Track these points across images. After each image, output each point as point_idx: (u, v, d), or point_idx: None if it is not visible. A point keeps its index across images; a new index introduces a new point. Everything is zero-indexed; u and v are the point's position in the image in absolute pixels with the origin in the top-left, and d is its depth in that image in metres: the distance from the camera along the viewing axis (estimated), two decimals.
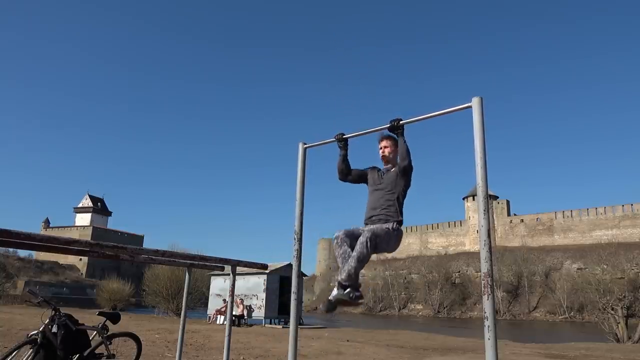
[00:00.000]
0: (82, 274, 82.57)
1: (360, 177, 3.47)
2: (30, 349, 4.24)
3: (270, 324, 22.11)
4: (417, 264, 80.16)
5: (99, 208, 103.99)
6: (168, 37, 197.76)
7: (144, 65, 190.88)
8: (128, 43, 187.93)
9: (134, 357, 5.11)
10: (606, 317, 21.04)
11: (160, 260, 5.14)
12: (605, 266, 57.79)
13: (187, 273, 4.95)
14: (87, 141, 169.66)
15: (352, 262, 2.96)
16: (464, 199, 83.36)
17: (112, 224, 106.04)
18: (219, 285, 24.08)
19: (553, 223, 73.77)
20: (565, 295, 61.03)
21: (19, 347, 4.36)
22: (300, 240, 3.30)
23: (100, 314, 5.02)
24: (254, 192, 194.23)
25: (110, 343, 4.77)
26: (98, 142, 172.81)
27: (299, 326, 9.85)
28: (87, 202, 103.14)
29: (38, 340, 4.22)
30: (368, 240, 2.96)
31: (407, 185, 3.28)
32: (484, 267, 2.26)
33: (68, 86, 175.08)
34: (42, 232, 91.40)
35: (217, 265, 4.72)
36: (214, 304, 23.68)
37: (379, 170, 3.44)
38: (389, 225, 3.14)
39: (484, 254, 2.26)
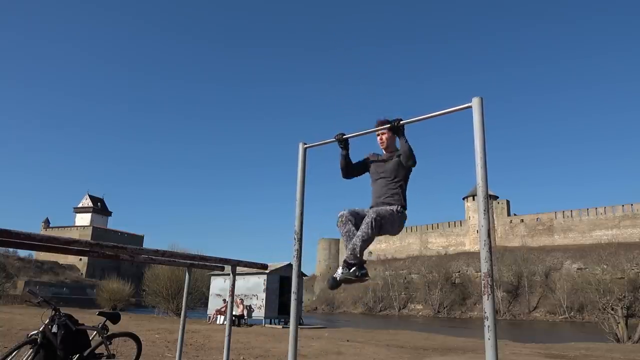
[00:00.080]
0: (82, 274, 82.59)
1: (363, 168, 3.53)
2: (30, 349, 4.23)
3: (270, 324, 22.11)
4: (417, 264, 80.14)
5: (99, 208, 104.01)
6: (168, 37, 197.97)
7: (144, 65, 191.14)
8: (128, 43, 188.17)
9: (134, 357, 5.11)
10: (606, 317, 21.04)
11: (160, 260, 5.13)
12: (605, 266, 57.75)
13: (187, 273, 4.95)
14: (87, 141, 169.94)
15: (357, 242, 3.04)
16: (464, 199, 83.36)
17: (112, 224, 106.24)
18: (219, 285, 24.08)
19: (553, 223, 73.77)
20: (565, 295, 61.02)
21: (19, 347, 4.36)
22: (300, 240, 3.30)
23: (100, 314, 5.02)
24: (254, 192, 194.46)
25: (110, 343, 4.76)
26: (98, 142, 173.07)
27: (299, 326, 9.85)
28: (87, 202, 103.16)
29: (38, 340, 4.22)
30: (373, 220, 3.04)
31: (409, 172, 3.36)
32: (484, 267, 2.26)
33: (68, 86, 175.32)
34: (42, 232, 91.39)
35: (217, 265, 4.72)
36: (214, 304, 23.68)
37: (378, 156, 3.49)
38: (394, 207, 3.22)
39: (484, 254, 2.26)
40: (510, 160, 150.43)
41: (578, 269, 64.48)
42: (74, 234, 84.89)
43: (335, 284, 3.13)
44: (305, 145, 3.44)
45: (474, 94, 2.55)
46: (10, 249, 61.96)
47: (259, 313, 22.22)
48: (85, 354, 4.44)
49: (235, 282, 4.58)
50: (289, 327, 3.25)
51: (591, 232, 69.52)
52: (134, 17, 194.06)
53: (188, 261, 4.57)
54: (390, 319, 61.84)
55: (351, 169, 3.48)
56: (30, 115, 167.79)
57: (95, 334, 4.72)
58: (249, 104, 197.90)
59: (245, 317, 21.23)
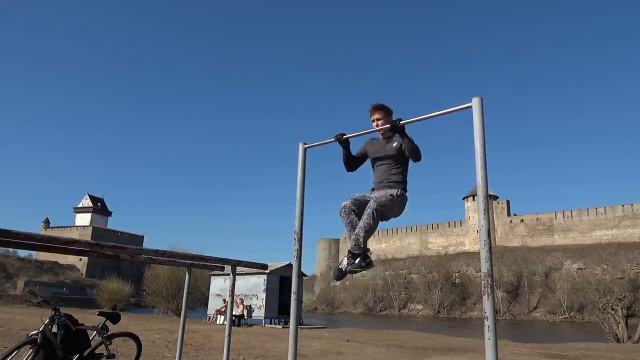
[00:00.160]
0: (82, 274, 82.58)
1: (363, 157, 3.58)
2: (30, 349, 4.23)
3: (270, 324, 22.11)
4: (417, 264, 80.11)
5: (99, 208, 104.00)
6: (168, 37, 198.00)
7: (144, 65, 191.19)
8: (128, 43, 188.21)
9: (134, 357, 5.11)
10: (606, 317, 21.04)
11: (160, 260, 5.13)
12: (605, 266, 57.76)
13: (187, 273, 4.94)
14: (87, 141, 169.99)
15: (360, 232, 3.12)
16: (464, 199, 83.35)
17: (112, 224, 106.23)
18: (219, 285, 24.07)
19: (553, 223, 73.76)
20: (565, 295, 61.01)
21: (19, 347, 4.36)
22: (300, 240, 3.29)
23: (100, 314, 5.02)
24: (254, 192, 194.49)
25: (110, 343, 4.76)
26: (98, 142, 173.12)
27: (299, 326, 9.85)
28: (87, 202, 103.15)
29: (38, 340, 4.21)
30: (374, 211, 3.11)
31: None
32: (484, 267, 2.25)
33: (68, 86, 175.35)
34: (42, 232, 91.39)
35: (217, 265, 4.72)
36: (214, 304, 23.68)
37: (375, 141, 3.51)
38: (394, 191, 3.27)
39: (484, 254, 2.26)
40: (510, 160, 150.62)
41: (578, 269, 64.47)
42: (74, 234, 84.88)
43: (341, 274, 3.21)
44: (305, 145, 3.44)
45: (474, 94, 2.55)
46: (10, 249, 62.00)
47: (259, 313, 22.21)
48: (85, 354, 4.44)
49: (235, 282, 4.58)
50: (289, 327, 3.25)
51: (591, 232, 69.51)
52: (134, 17, 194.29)
53: (188, 261, 4.57)
54: (390, 319, 61.84)
55: (353, 163, 3.54)
56: (30, 115, 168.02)
57: (95, 334, 4.71)
58: (249, 104, 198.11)
59: (245, 317, 21.23)
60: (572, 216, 72.72)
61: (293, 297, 3.33)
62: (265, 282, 22.27)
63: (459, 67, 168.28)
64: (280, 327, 20.79)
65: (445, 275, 73.41)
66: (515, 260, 68.86)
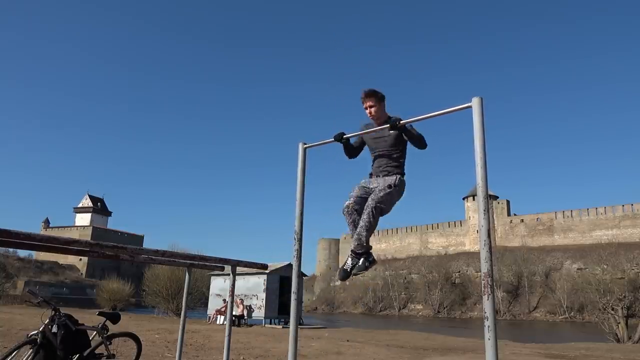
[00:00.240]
0: (82, 274, 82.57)
1: (362, 144, 3.60)
2: (30, 349, 4.23)
3: (270, 324, 22.11)
4: (417, 264, 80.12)
5: (99, 208, 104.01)
6: (168, 37, 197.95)
7: (144, 65, 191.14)
8: (128, 43, 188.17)
9: (134, 357, 5.11)
10: (606, 317, 21.04)
11: (160, 260, 5.13)
12: (605, 266, 57.72)
13: (187, 273, 4.94)
14: (87, 141, 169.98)
15: (362, 232, 3.17)
16: (464, 199, 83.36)
17: (112, 224, 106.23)
18: (219, 285, 24.07)
19: (553, 223, 73.76)
20: (565, 296, 60.99)
21: (19, 347, 4.36)
22: (300, 240, 3.29)
23: (100, 314, 5.01)
24: (254, 192, 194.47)
25: (110, 343, 4.76)
26: (98, 142, 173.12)
27: (299, 326, 9.85)
28: (87, 202, 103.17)
29: (38, 340, 4.21)
30: (373, 209, 3.15)
31: (406, 143, 3.38)
32: (484, 267, 2.25)
33: (68, 86, 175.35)
34: (42, 232, 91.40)
35: (217, 265, 4.71)
36: (214, 304, 23.68)
37: (372, 125, 3.46)
38: (392, 179, 3.28)
39: (484, 254, 2.26)
40: (510, 160, 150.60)
41: (578, 269, 64.46)
42: (74, 234, 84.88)
43: (346, 275, 3.27)
44: (305, 145, 3.44)
45: (474, 94, 2.55)
46: (10, 249, 61.98)
47: (259, 313, 22.21)
48: (85, 354, 4.44)
49: (235, 282, 4.58)
50: (289, 327, 3.25)
51: (591, 232, 69.51)
52: (134, 17, 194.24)
53: (188, 261, 4.57)
54: (390, 319, 61.84)
55: (354, 152, 3.57)
56: (30, 115, 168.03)
57: (95, 334, 4.71)
58: (249, 104, 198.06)
59: (245, 317, 21.23)
60: (572, 216, 72.72)
61: (293, 297, 3.33)
62: (265, 282, 22.27)
63: (459, 67, 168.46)
64: (280, 327, 20.79)
65: (445, 275, 73.41)
66: (515, 260, 68.85)
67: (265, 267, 4.92)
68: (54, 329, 4.27)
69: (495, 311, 2.22)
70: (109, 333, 4.81)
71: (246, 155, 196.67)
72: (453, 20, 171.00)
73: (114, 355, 4.74)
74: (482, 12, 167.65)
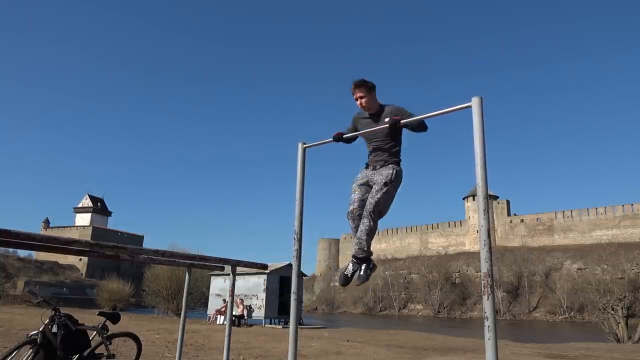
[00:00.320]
0: (82, 274, 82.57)
1: (356, 132, 3.55)
2: (30, 349, 4.23)
3: (270, 324, 22.11)
4: (417, 264, 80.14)
5: (99, 208, 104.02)
6: (168, 37, 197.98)
7: (144, 65, 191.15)
8: (128, 43, 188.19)
9: (134, 357, 5.10)
10: (606, 317, 21.05)
11: (160, 260, 5.13)
12: (605, 266, 57.72)
13: (187, 273, 4.94)
14: (87, 141, 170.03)
15: (362, 236, 3.17)
16: (464, 199, 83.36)
17: (112, 224, 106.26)
18: (219, 285, 24.07)
19: (553, 223, 73.76)
20: (565, 296, 61.00)
21: (19, 347, 4.35)
22: (300, 240, 3.29)
23: (100, 314, 5.01)
24: (254, 192, 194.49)
25: (110, 343, 4.76)
26: (98, 142, 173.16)
27: (299, 326, 9.85)
28: (87, 202, 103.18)
29: (38, 340, 4.21)
30: (371, 213, 3.15)
31: (401, 132, 3.34)
32: (484, 267, 2.25)
33: (68, 86, 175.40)
34: (42, 232, 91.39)
35: (217, 265, 4.71)
36: (214, 304, 23.68)
37: (366, 118, 3.43)
38: (388, 175, 3.22)
39: (484, 254, 2.25)
40: (510, 160, 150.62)
41: (578, 269, 64.46)
42: (73, 234, 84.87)
43: (347, 281, 3.24)
44: (305, 145, 3.44)
45: (474, 94, 2.54)
46: (10, 249, 62.00)
47: (259, 313, 22.21)
48: (85, 354, 4.43)
49: (235, 282, 4.58)
50: (289, 327, 3.25)
51: (591, 232, 69.51)
52: (134, 17, 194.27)
53: (188, 261, 4.57)
54: (390, 319, 61.85)
55: (349, 141, 3.48)
56: (30, 115, 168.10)
57: (95, 334, 4.71)
58: (249, 104, 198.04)
59: (245, 317, 21.23)
60: (572, 216, 72.71)
61: (293, 297, 3.33)
62: (265, 282, 22.27)
63: (459, 67, 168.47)
64: (280, 327, 20.79)
65: (445, 275, 73.41)
66: (515, 260, 68.86)
67: (265, 267, 4.92)
68: (54, 329, 4.26)
69: (495, 311, 2.22)
70: (109, 333, 4.81)
71: (246, 155, 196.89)
72: (453, 20, 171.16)
73: (114, 355, 4.74)
74: (482, 12, 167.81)
